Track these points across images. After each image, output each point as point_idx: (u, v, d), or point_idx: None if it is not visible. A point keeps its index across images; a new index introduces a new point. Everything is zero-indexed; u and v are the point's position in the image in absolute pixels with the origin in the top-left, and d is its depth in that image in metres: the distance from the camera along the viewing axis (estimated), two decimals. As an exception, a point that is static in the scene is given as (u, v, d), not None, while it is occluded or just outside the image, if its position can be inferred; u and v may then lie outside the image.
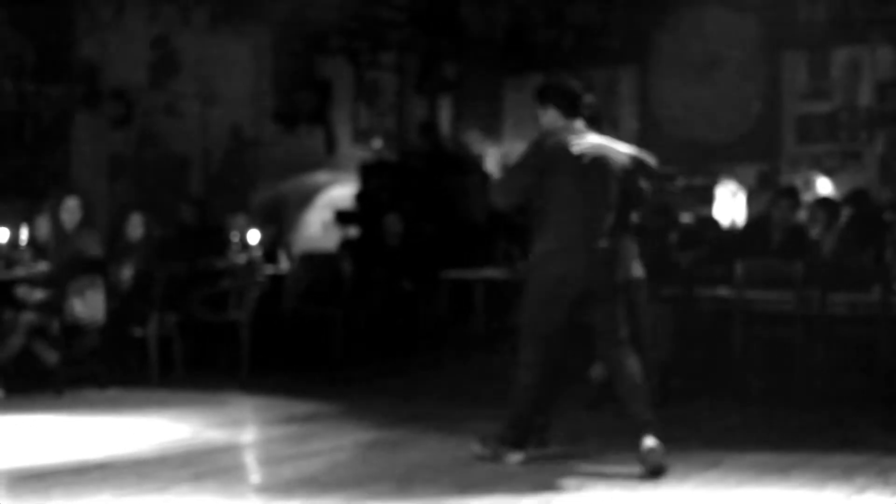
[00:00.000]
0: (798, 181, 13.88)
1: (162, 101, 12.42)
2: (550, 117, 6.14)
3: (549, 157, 6.00)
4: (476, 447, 6.11)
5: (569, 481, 5.61)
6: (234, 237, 10.63)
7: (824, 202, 9.94)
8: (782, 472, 5.87)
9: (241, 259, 10.50)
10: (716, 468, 5.95)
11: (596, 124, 6.34)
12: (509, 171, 6.16)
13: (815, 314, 8.24)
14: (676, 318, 8.69)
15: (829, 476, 5.76)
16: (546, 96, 6.23)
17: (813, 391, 8.19)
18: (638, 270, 7.06)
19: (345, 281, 11.09)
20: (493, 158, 16.08)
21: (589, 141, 6.07)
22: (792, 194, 10.07)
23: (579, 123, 6.14)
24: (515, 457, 6.04)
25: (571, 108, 6.14)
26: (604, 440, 6.73)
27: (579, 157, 5.98)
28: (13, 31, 10.89)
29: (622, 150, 6.19)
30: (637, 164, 6.17)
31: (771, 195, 10.68)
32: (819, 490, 5.50)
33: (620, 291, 6.14)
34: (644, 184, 6.43)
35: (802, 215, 11.20)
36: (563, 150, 6.00)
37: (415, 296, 11.18)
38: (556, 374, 6.20)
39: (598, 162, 6.02)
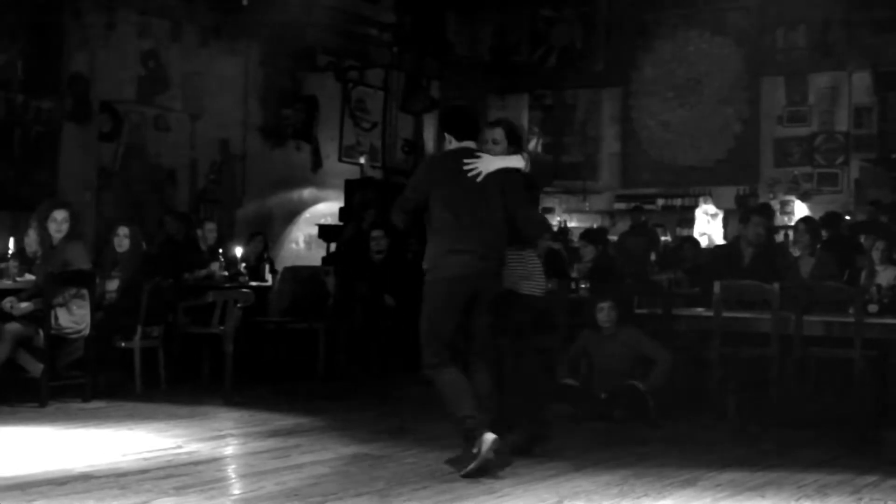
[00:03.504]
0: (774, 203, 14.02)
1: (150, 115, 12.50)
2: (447, 141, 6.64)
3: (436, 174, 6.48)
4: (461, 468, 6.21)
5: (547, 496, 5.68)
6: (204, 244, 10.75)
7: (808, 222, 9.97)
8: (757, 490, 5.95)
9: (222, 270, 10.57)
10: (692, 486, 6.01)
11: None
12: (404, 194, 6.58)
13: (791, 334, 8.34)
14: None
15: (803, 495, 5.84)
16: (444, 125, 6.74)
17: (788, 410, 8.27)
18: (530, 287, 6.88)
19: (328, 296, 11.15)
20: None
21: (476, 157, 6.50)
22: (762, 212, 10.14)
23: (470, 143, 6.58)
24: (489, 437, 6.13)
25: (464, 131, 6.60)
26: (583, 455, 6.81)
27: (466, 172, 6.39)
28: (4, 44, 10.94)
29: (511, 163, 6.55)
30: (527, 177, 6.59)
31: (741, 214, 10.76)
32: (793, 509, 5.60)
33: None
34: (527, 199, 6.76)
35: (779, 237, 11.32)
36: (451, 166, 6.43)
37: (397, 311, 11.24)
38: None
39: (487, 177, 6.39)
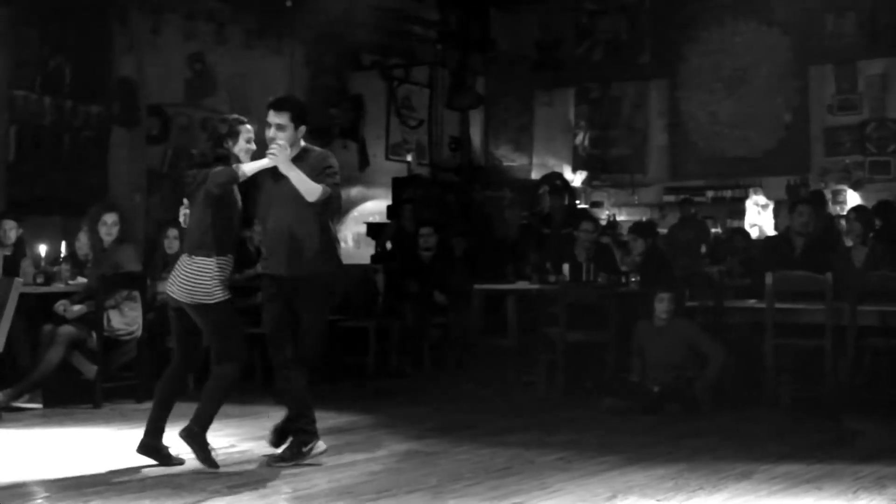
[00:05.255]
0: (826, 193, 13.84)
1: (198, 117, 12.56)
2: (301, 134, 6.41)
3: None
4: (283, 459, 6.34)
5: (601, 491, 5.66)
6: (251, 244, 10.79)
7: (860, 211, 9.84)
8: (814, 482, 5.90)
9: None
10: (747, 479, 5.98)
11: None
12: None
13: (845, 325, 8.25)
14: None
15: (860, 486, 5.79)
16: (302, 115, 6.45)
17: (844, 401, 8.19)
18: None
19: (378, 294, 11.17)
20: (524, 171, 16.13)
21: None
22: (811, 201, 10.03)
23: None
24: (322, 445, 6.39)
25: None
26: (636, 449, 6.78)
27: None
28: (52, 50, 11.05)
29: None
30: None
31: (789, 204, 10.65)
32: (851, 501, 5.52)
33: None
34: None
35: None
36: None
37: (447, 308, 11.25)
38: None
39: None
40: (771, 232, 13.68)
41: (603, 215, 15.29)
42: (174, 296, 6.33)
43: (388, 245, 13.28)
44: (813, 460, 6.44)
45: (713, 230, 14.20)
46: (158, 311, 9.38)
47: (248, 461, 6.50)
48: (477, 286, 10.46)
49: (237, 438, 7.21)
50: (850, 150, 14.66)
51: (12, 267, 9.32)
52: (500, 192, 15.08)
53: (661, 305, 8.64)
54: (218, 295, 6.27)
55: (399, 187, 14.39)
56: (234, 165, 6.28)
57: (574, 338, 9.35)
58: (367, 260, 13.34)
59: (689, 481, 5.91)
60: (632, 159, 16.22)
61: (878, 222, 10.30)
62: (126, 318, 8.85)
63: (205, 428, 6.26)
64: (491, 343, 10.40)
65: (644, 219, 14.25)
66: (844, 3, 14.59)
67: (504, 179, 15.76)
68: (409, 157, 15.19)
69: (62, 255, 9.39)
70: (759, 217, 14.33)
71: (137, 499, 5.51)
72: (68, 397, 8.58)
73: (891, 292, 8.41)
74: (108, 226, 8.90)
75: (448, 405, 8.97)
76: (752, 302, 9.00)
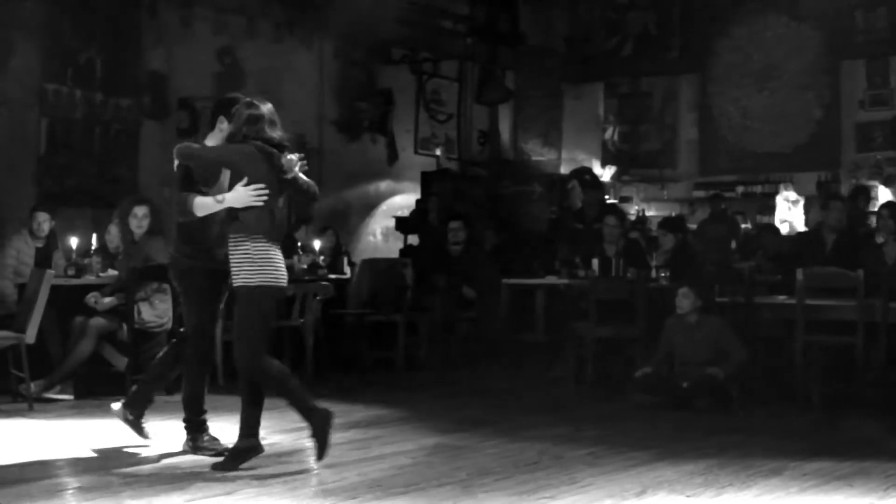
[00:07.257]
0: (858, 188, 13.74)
1: (227, 110, 12.59)
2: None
3: None
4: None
5: (631, 487, 5.65)
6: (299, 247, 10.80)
7: (891, 207, 9.76)
8: (845, 479, 5.87)
9: (301, 263, 10.63)
10: (777, 475, 5.95)
11: None
12: None
13: (877, 322, 8.20)
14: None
15: (891, 484, 5.75)
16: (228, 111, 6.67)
17: (875, 399, 8.14)
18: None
19: (407, 288, 11.18)
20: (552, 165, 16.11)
21: None
22: (843, 197, 9.96)
23: None
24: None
25: None
26: (665, 445, 6.76)
27: None
28: (83, 44, 11.11)
29: None
30: None
31: (821, 201, 10.59)
32: (882, 498, 5.49)
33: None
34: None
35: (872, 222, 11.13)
36: None
37: (476, 303, 11.25)
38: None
39: None
40: (801, 228, 13.61)
41: (632, 210, 15.26)
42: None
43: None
44: (843, 458, 6.41)
45: (743, 226, 14.16)
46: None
47: (278, 454, 6.52)
48: (505, 281, 10.46)
49: (266, 431, 7.13)
50: (882, 145, 14.57)
51: (44, 259, 9.39)
52: (529, 187, 15.06)
53: (684, 301, 8.60)
54: None
55: (428, 181, 14.39)
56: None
57: (603, 333, 9.34)
58: (395, 254, 13.35)
59: (718, 477, 5.89)
60: (661, 154, 16.19)
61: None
62: (156, 311, 8.89)
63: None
64: (519, 338, 10.40)
65: (673, 214, 14.21)
66: (875, -2, 14.52)
67: (533, 174, 15.73)
68: (437, 152, 15.17)
69: (93, 248, 9.44)
70: (790, 213, 14.25)
71: (168, 490, 5.53)
72: (99, 389, 8.62)
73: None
74: (139, 218, 8.94)
75: (476, 399, 8.97)
76: (782, 298, 8.95)
